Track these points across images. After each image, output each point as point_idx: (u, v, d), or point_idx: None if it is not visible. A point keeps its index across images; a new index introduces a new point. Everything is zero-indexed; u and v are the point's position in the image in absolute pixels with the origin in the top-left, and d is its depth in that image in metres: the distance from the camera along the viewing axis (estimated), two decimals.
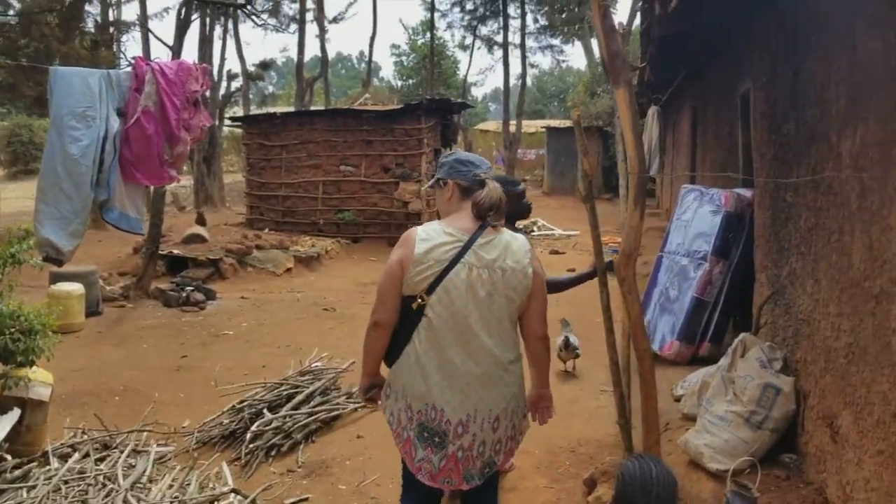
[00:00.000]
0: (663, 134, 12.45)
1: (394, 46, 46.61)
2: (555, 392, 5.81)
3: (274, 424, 4.93)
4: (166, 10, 27.32)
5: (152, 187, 8.45)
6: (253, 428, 4.85)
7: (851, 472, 2.84)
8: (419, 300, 2.76)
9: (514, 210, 3.93)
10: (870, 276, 2.69)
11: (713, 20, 5.41)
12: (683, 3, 4.26)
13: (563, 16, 33.85)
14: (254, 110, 26.01)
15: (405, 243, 2.82)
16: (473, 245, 2.76)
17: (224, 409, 5.29)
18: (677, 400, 4.86)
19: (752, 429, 3.64)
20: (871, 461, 2.63)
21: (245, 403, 5.29)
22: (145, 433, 5.00)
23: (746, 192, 5.61)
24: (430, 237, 2.79)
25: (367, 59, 35.09)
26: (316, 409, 5.27)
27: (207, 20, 21.25)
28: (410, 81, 44.01)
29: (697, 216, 6.03)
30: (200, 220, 13.02)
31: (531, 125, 36.72)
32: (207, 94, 20.96)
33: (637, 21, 15.82)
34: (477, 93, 59.76)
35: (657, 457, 2.27)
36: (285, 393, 5.46)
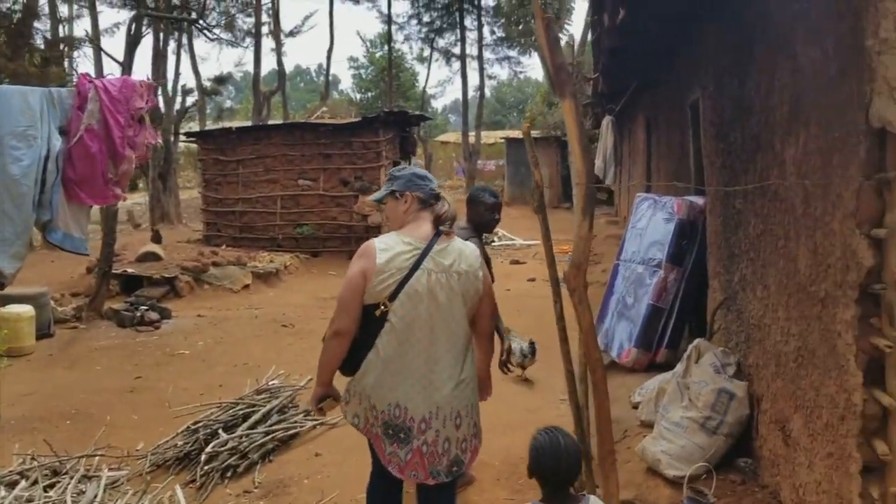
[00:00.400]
0: (618, 143, 12.59)
1: (352, 59, 46.52)
2: (516, 402, 5.84)
3: (229, 445, 4.84)
4: (117, 25, 26.85)
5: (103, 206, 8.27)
6: (208, 449, 4.76)
7: (803, 474, 2.86)
8: (382, 307, 2.92)
9: (483, 220, 4.29)
10: (815, 281, 2.73)
11: (659, 31, 5.49)
12: (631, 15, 4.31)
13: (520, 28, 34.14)
14: (210, 125, 25.75)
15: (366, 254, 2.98)
16: (431, 252, 2.96)
17: (178, 430, 5.18)
18: (635, 407, 4.88)
19: (708, 434, 3.67)
20: (822, 464, 2.65)
21: (200, 424, 5.19)
22: (97, 458, 4.87)
23: (698, 200, 5.68)
24: (389, 247, 2.96)
25: (325, 72, 34.97)
26: (273, 427, 5.19)
27: (161, 35, 21.00)
28: (369, 94, 44.00)
29: (651, 224, 6.09)
30: (156, 238, 12.81)
31: (491, 136, 36.93)
32: (162, 108, 20.75)
33: (590, 33, 16.04)
34: (436, 104, 59.97)
35: (564, 429, 2.56)
36: (241, 412, 5.37)
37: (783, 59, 3.13)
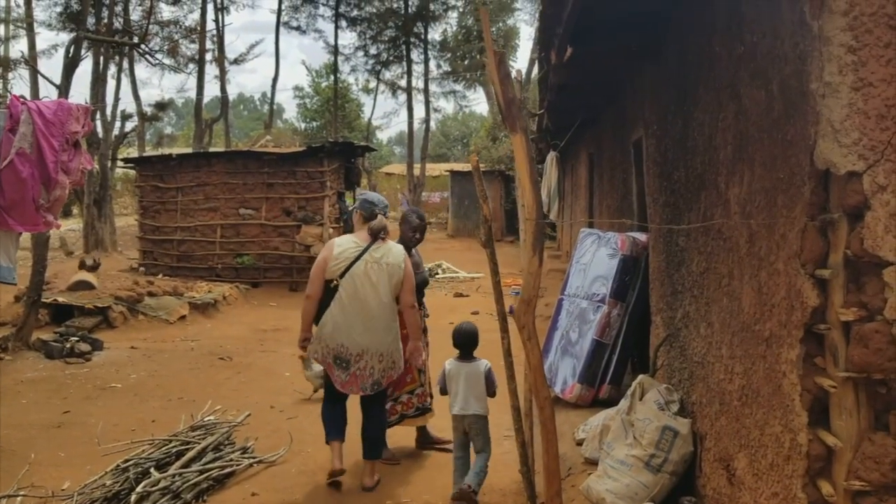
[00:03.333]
0: (562, 179, 12.75)
1: (297, 88, 46.45)
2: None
3: (161, 484, 4.63)
4: (55, 47, 26.21)
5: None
6: (138, 489, 4.54)
7: None
8: (335, 282, 4.83)
9: (405, 237, 5.50)
10: (760, 320, 2.74)
11: (605, 70, 5.58)
12: (577, 53, 4.36)
13: (466, 62, 34.61)
14: (150, 151, 25.23)
15: (328, 248, 4.98)
16: (369, 249, 4.87)
17: (108, 468, 4.95)
18: (579, 444, 4.85)
19: (652, 472, 3.65)
20: (767, 503, 2.65)
21: (130, 462, 4.97)
22: (19, 498, 4.62)
23: (641, 236, 5.75)
24: (342, 244, 4.94)
25: (269, 100, 34.74)
26: (208, 466, 4.99)
27: (101, 59, 20.56)
28: (314, 124, 43.87)
29: (595, 259, 6.13)
30: (86, 267, 12.30)
31: (435, 168, 37.17)
32: (100, 133, 20.24)
33: (536, 69, 16.30)
34: (382, 136, 60.17)
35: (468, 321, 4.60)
36: (175, 450, 5.17)
37: (727, 99, 3.19)
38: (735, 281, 3.07)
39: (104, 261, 16.88)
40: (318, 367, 6.68)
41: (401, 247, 4.98)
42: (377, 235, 4.86)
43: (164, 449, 5.16)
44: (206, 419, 5.88)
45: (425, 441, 5.74)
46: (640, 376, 4.24)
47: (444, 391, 4.76)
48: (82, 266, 12.24)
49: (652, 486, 3.61)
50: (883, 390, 2.11)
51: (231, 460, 5.18)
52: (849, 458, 2.14)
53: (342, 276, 4.78)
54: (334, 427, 4.98)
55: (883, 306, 2.06)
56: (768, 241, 2.64)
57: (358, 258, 4.79)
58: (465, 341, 4.66)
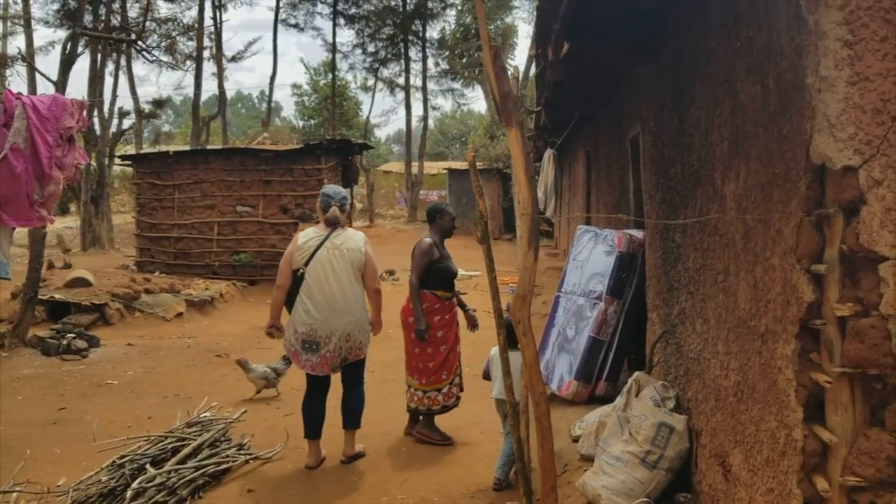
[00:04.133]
0: (559, 176, 12.74)
1: (295, 86, 46.37)
2: (456, 436, 5.76)
3: (157, 480, 4.63)
4: (52, 44, 26.14)
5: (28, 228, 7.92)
6: (134, 485, 4.53)
7: None
8: (301, 270, 5.14)
9: (447, 227, 5.96)
10: (755, 316, 2.74)
11: (602, 66, 5.57)
12: (574, 49, 4.35)
13: (464, 60, 34.60)
14: (147, 148, 25.19)
15: (294, 241, 5.29)
16: (330, 237, 5.21)
17: (103, 465, 4.94)
18: (575, 440, 4.84)
19: (648, 468, 3.64)
20: (762, 500, 2.64)
21: (126, 458, 4.96)
22: (15, 494, 4.61)
23: (638, 233, 5.74)
24: (306, 236, 5.27)
25: (267, 98, 34.71)
26: (204, 462, 4.99)
27: (98, 56, 20.52)
28: (312, 122, 43.86)
29: (592, 256, 6.12)
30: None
31: (433, 166, 37.14)
32: (98, 130, 20.20)
33: (533, 67, 16.28)
34: (380, 134, 60.10)
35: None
36: (171, 446, 5.16)
37: (723, 95, 3.18)
38: (731, 277, 3.06)
39: (101, 258, 16.88)
40: (259, 368, 6.87)
41: (361, 234, 5.36)
42: (333, 224, 5.23)
43: (159, 445, 5.15)
44: (202, 416, 5.87)
45: (425, 433, 5.79)
46: (637, 373, 4.23)
47: (486, 376, 5.16)
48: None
49: (648, 483, 3.61)
50: (878, 386, 2.11)
51: (227, 457, 5.17)
52: (844, 454, 2.14)
53: (307, 264, 5.11)
54: (312, 426, 5.25)
55: (878, 301, 2.05)
56: (764, 236, 2.63)
57: (320, 246, 5.14)
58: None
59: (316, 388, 5.28)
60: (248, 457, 5.28)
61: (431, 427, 5.79)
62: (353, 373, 5.36)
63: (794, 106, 2.32)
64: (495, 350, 4.81)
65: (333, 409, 5.39)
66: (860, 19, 2.05)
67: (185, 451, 5.05)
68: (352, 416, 5.37)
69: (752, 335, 2.76)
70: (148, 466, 4.81)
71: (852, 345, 2.09)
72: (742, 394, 2.90)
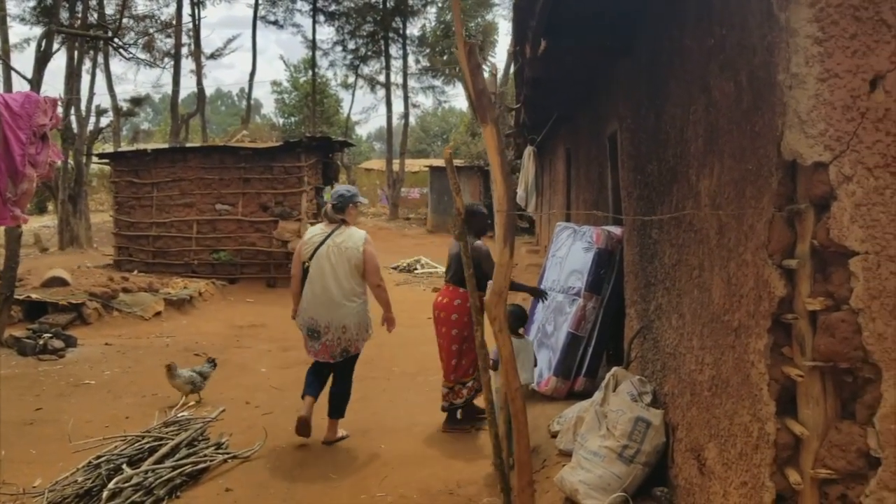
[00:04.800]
0: (540, 173, 12.78)
1: (275, 84, 46.05)
2: (436, 433, 5.77)
3: (134, 480, 4.59)
4: (27, 41, 25.81)
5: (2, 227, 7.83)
6: (110, 485, 4.50)
7: (718, 503, 2.87)
8: (306, 263, 5.56)
9: (483, 225, 6.02)
10: (729, 311, 2.76)
11: (579, 64, 5.59)
12: (551, 47, 4.36)
13: (444, 58, 34.59)
14: (126, 147, 24.95)
15: (302, 237, 5.83)
16: (332, 235, 5.58)
17: (79, 465, 4.89)
18: (554, 436, 4.86)
19: (625, 463, 3.66)
20: (736, 493, 2.67)
21: (103, 458, 4.92)
22: None
23: (616, 230, 5.77)
24: (312, 233, 5.75)
25: (247, 95, 34.51)
26: (181, 461, 4.95)
27: (75, 54, 20.30)
28: (292, 119, 43.65)
29: (571, 253, 6.15)
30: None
31: (415, 164, 37.11)
32: (75, 128, 19.97)
33: (513, 64, 16.27)
34: (361, 132, 60.03)
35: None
36: (148, 446, 5.12)
37: (698, 92, 3.20)
38: (705, 272, 3.09)
39: (79, 257, 16.69)
40: (185, 374, 6.67)
41: (362, 233, 5.64)
42: (334, 221, 5.64)
43: (136, 445, 5.11)
44: (179, 415, 5.83)
45: (468, 417, 5.98)
46: (614, 368, 4.26)
47: (495, 366, 4.95)
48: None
49: (625, 477, 3.63)
50: (849, 379, 2.13)
51: (205, 456, 5.14)
52: (816, 447, 2.16)
53: (311, 258, 5.53)
54: (310, 386, 5.64)
55: (849, 296, 2.08)
56: (737, 232, 2.65)
57: (322, 243, 5.54)
58: (512, 321, 5.06)
59: (319, 371, 5.68)
60: (226, 456, 5.25)
61: (454, 419, 5.90)
62: (344, 366, 5.65)
63: (766, 103, 2.34)
64: (517, 341, 4.98)
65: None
66: (830, 16, 2.07)
67: (163, 450, 5.01)
68: (336, 406, 5.65)
69: (726, 330, 2.79)
70: (125, 466, 4.77)
71: (823, 339, 2.11)
72: (716, 388, 2.93)
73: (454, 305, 5.72)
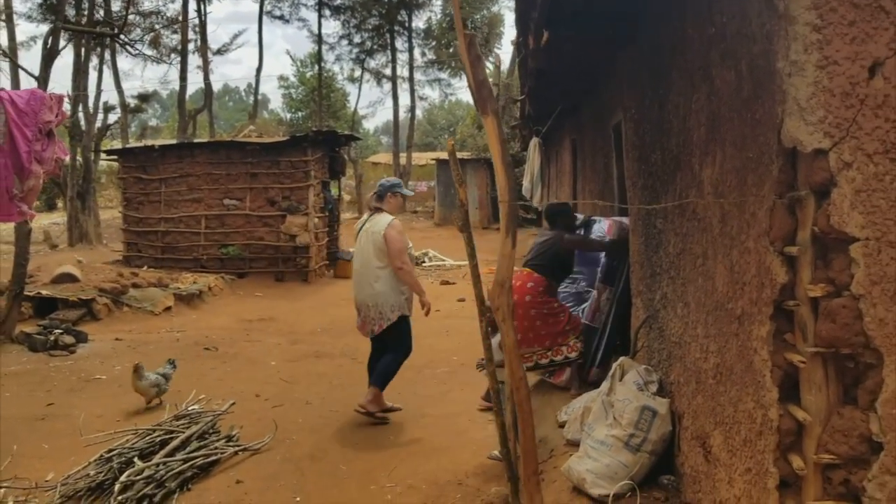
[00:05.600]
0: (546, 165, 12.76)
1: (282, 78, 46.05)
2: (443, 425, 5.80)
3: (145, 473, 4.64)
4: (34, 39, 25.90)
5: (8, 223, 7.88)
6: (122, 478, 4.54)
7: (723, 490, 2.89)
8: (353, 249, 6.26)
9: (566, 223, 6.02)
10: (732, 298, 2.77)
11: (582, 54, 5.59)
12: (553, 38, 4.36)
13: (450, 50, 34.52)
14: (134, 143, 25.04)
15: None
16: (367, 221, 6.19)
17: (91, 459, 4.94)
18: (561, 426, 4.88)
19: (632, 452, 3.68)
20: (741, 479, 2.68)
21: (114, 452, 4.97)
22: (2, 490, 4.61)
23: (627, 221, 5.77)
24: (360, 221, 6.38)
25: (254, 91, 34.55)
26: (192, 454, 5.00)
27: (82, 51, 20.34)
28: (299, 114, 43.64)
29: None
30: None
31: (422, 157, 37.10)
32: (83, 125, 20.04)
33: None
34: (368, 125, 59.93)
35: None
36: (159, 439, 5.17)
37: (699, 81, 3.20)
38: (709, 261, 3.10)
39: (89, 254, 16.79)
40: (151, 376, 6.51)
41: (388, 217, 6.07)
42: (372, 209, 6.25)
43: (148, 438, 5.16)
44: (190, 408, 5.88)
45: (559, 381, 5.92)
46: (621, 358, 4.27)
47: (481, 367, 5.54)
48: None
49: (631, 466, 3.65)
50: (851, 365, 2.14)
51: (215, 448, 5.19)
52: (818, 432, 2.17)
53: (356, 244, 6.27)
54: (370, 376, 6.15)
55: (850, 282, 2.09)
56: (739, 220, 2.66)
57: (361, 228, 6.22)
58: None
59: (375, 349, 6.26)
60: (236, 448, 5.30)
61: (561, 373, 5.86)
62: (387, 341, 6.08)
63: (766, 90, 2.35)
64: None
65: (319, 415, 5.39)
66: (828, 3, 2.08)
67: (174, 443, 5.06)
68: (377, 375, 6.05)
69: (730, 317, 2.80)
70: (136, 459, 4.82)
71: (825, 325, 2.12)
72: (721, 376, 2.94)
73: (527, 287, 5.60)
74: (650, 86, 4.38)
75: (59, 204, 26.42)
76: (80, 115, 20.74)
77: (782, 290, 2.29)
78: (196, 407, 5.95)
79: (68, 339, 8.93)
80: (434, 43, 35.21)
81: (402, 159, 32.68)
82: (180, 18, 26.16)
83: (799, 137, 2.13)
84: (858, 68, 2.06)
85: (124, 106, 26.39)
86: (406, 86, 34.43)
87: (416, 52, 35.01)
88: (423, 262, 17.79)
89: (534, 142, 12.20)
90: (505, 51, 37.97)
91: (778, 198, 2.30)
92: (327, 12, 33.17)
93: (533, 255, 5.83)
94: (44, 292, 10.58)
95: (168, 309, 11.38)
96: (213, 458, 5.08)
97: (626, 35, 4.77)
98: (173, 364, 6.91)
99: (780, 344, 2.35)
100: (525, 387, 2.83)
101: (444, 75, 36.96)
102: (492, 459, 4.93)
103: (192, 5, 27.24)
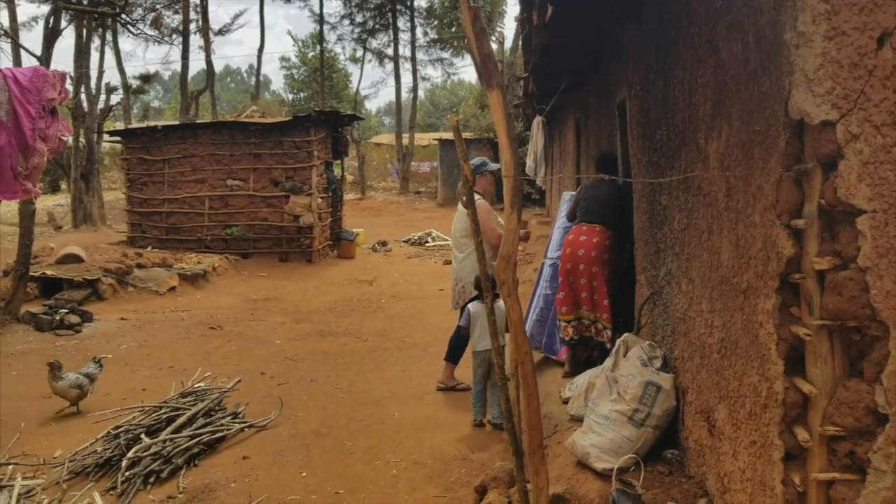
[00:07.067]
0: (549, 144, 12.71)
1: (284, 59, 45.80)
2: (449, 402, 5.83)
3: (152, 450, 4.68)
4: (35, 19, 25.77)
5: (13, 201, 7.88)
6: (129, 454, 4.59)
7: (728, 463, 2.91)
8: None
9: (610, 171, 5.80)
10: (737, 273, 2.77)
11: (586, 30, 5.55)
12: (558, 12, 4.33)
13: (452, 29, 34.30)
14: (136, 124, 24.97)
15: None
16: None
17: (98, 436, 4.99)
18: (565, 402, 4.90)
19: (636, 426, 3.70)
20: (745, 452, 2.70)
21: (121, 429, 5.02)
22: (10, 466, 4.66)
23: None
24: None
25: (256, 72, 34.41)
26: (199, 431, 5.04)
27: (84, 31, 20.26)
28: (301, 94, 43.50)
29: None
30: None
31: (424, 138, 36.97)
32: (85, 106, 19.99)
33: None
34: (370, 106, 59.77)
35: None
36: (165, 416, 5.22)
37: (706, 55, 3.18)
38: (714, 235, 3.09)
39: (93, 235, 16.81)
40: (71, 377, 5.90)
41: (475, 197, 5.55)
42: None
43: (154, 416, 5.20)
44: (196, 386, 5.92)
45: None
46: (625, 334, 4.28)
47: (465, 332, 5.77)
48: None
49: (635, 440, 3.66)
50: (857, 337, 2.14)
51: (222, 425, 5.23)
52: (823, 405, 2.18)
53: None
54: (450, 351, 6.36)
55: (856, 254, 2.08)
56: (745, 193, 2.66)
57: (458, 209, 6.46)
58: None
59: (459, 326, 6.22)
60: (242, 425, 5.33)
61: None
62: (461, 314, 6.10)
63: (774, 62, 2.33)
64: (474, 305, 5.63)
65: (325, 392, 5.41)
66: None
67: (180, 420, 5.10)
68: (448, 350, 6.34)
69: (735, 292, 2.80)
70: (143, 436, 4.86)
71: (831, 298, 2.12)
72: (726, 350, 2.95)
73: (605, 245, 5.46)
74: (655, 61, 4.35)
75: (63, 185, 26.41)
76: (83, 95, 20.69)
77: (788, 263, 2.28)
78: (202, 384, 5.99)
79: (74, 319, 8.97)
80: (436, 22, 34.99)
81: (405, 139, 32.57)
82: None
83: (806, 109, 2.12)
84: (867, 39, 2.04)
85: (126, 87, 26.33)
86: (408, 66, 34.26)
87: (419, 31, 34.84)
88: (427, 242, 17.78)
89: (537, 120, 12.14)
90: (508, 28, 37.73)
91: (785, 171, 2.29)
92: None
93: (595, 208, 5.52)
94: (49, 272, 10.61)
95: (173, 289, 11.42)
96: (220, 434, 5.12)
97: (631, 10, 4.73)
98: (99, 363, 6.23)
99: (785, 317, 2.35)
100: (530, 361, 2.84)
101: (446, 55, 36.80)
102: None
103: None
